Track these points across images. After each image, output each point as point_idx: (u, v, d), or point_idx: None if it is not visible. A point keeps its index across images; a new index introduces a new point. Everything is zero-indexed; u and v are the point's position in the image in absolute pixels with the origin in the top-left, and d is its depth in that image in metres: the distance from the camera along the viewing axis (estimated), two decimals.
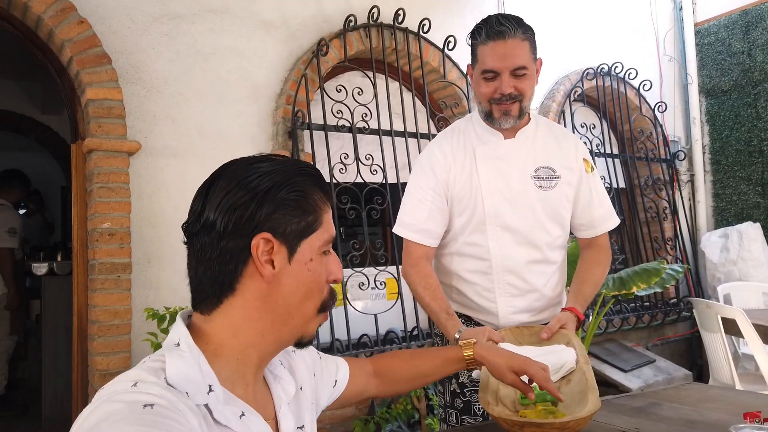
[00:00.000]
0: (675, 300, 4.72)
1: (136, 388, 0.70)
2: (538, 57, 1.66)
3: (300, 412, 0.94)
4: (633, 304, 4.41)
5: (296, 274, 0.83)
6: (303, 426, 0.94)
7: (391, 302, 3.37)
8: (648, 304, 4.52)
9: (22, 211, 8.26)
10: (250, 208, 0.80)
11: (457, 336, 1.56)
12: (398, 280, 3.37)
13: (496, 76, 1.60)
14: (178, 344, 0.79)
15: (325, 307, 0.88)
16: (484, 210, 1.67)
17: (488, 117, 1.67)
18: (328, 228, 0.87)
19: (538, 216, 1.69)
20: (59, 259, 4.56)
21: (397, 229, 1.76)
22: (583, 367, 1.42)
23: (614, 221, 1.82)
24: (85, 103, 2.69)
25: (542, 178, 1.69)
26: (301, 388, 0.97)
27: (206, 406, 0.75)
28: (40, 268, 4.36)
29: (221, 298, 0.82)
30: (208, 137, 3.01)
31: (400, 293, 3.36)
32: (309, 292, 0.84)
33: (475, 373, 1.61)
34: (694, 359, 4.87)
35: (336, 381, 1.14)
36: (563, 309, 1.69)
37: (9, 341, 4.36)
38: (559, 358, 1.44)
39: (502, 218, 1.68)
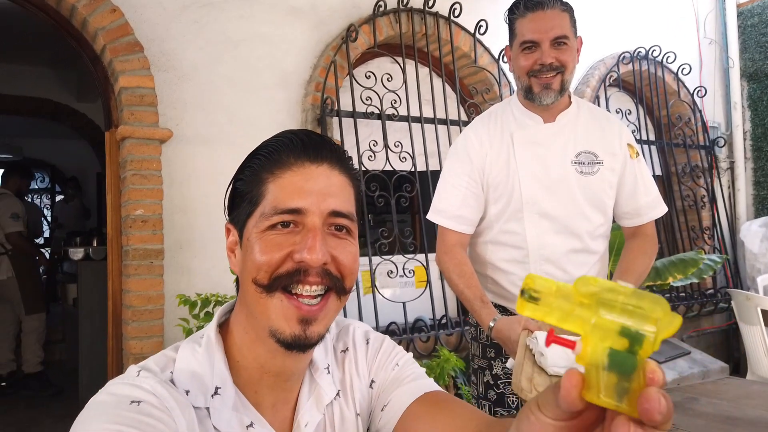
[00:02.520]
0: (712, 291, 4.59)
1: (136, 379, 0.68)
2: (578, 35, 1.61)
3: (335, 423, 0.82)
4: (668, 295, 4.30)
5: (243, 258, 0.74)
6: None
7: (420, 290, 3.36)
8: (684, 294, 4.41)
9: (59, 197, 8.52)
10: (226, 195, 0.79)
11: (491, 324, 1.53)
12: (427, 269, 3.35)
13: (536, 47, 1.55)
14: (203, 336, 0.76)
15: (266, 286, 0.70)
16: (522, 197, 1.62)
17: (528, 93, 1.61)
18: (275, 197, 0.72)
19: (578, 203, 1.63)
20: (95, 244, 4.66)
21: (431, 216, 1.73)
22: None
23: (662, 209, 1.75)
24: (118, 91, 2.72)
25: (584, 163, 1.63)
26: (338, 395, 0.84)
27: (207, 409, 0.71)
28: (77, 253, 4.47)
29: (237, 288, 0.79)
30: (238, 125, 3.02)
31: (428, 281, 3.34)
32: (248, 275, 0.72)
33: (509, 362, 1.59)
34: (730, 352, 4.74)
35: (387, 403, 0.85)
36: None
37: (34, 321, 4.48)
38: None
39: (540, 205, 1.62)
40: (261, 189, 0.73)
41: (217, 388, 0.73)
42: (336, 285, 0.73)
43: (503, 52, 1.74)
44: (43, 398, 4.35)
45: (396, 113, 3.38)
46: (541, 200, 1.62)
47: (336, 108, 3.22)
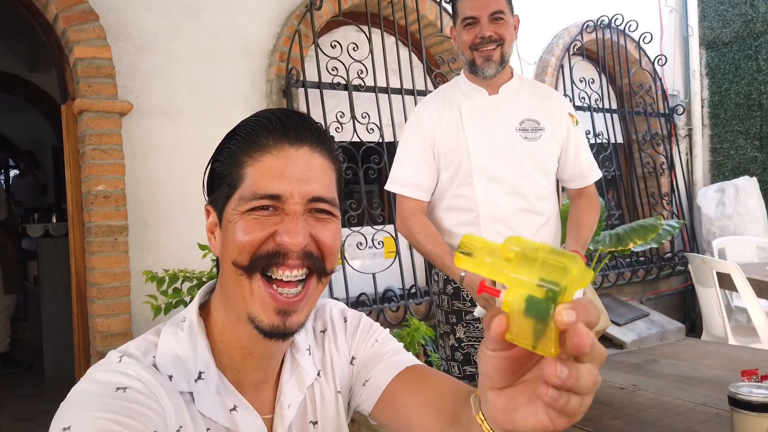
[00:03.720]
0: (670, 255, 4.76)
1: (119, 365, 0.67)
2: (515, 14, 1.76)
3: (316, 403, 0.83)
4: (628, 259, 4.44)
5: (223, 239, 0.73)
6: (316, 422, 0.82)
7: (389, 261, 3.38)
8: (643, 259, 4.56)
9: (13, 173, 8.21)
10: (204, 175, 0.78)
11: (462, 275, 1.66)
12: (396, 239, 3.37)
13: (476, 23, 1.70)
14: (184, 319, 0.75)
15: (246, 267, 0.69)
16: (471, 163, 1.74)
17: (472, 66, 1.75)
18: (254, 181, 0.70)
19: (523, 167, 1.76)
20: (54, 220, 4.53)
21: (389, 186, 1.85)
22: (591, 297, 1.54)
23: (599, 172, 1.94)
24: (74, 62, 2.61)
25: (527, 130, 1.76)
26: (319, 374, 0.84)
27: (190, 394, 0.70)
28: (36, 230, 4.34)
29: (218, 269, 0.78)
30: (201, 96, 2.94)
31: (397, 252, 3.36)
32: (228, 256, 0.71)
33: (477, 311, 1.73)
34: (687, 312, 4.95)
35: (369, 378, 0.86)
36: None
37: (7, 300, 4.38)
38: None
39: (489, 170, 1.74)
40: (240, 172, 0.71)
41: (200, 373, 0.72)
42: (317, 266, 0.72)
43: (451, 32, 1.83)
44: (7, 378, 4.27)
45: (363, 84, 3.34)
46: (490, 165, 1.74)
47: (301, 78, 3.17)
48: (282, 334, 0.70)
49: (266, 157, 0.71)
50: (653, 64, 4.83)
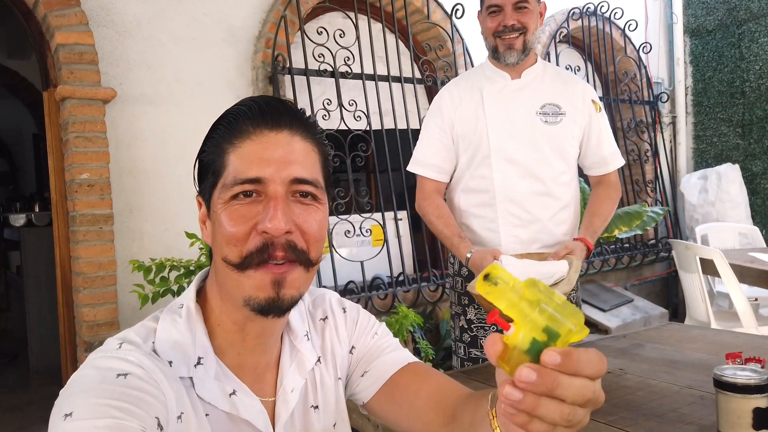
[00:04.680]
0: (654, 241, 4.82)
1: (119, 351, 0.68)
2: (542, 1, 1.77)
3: (316, 390, 0.84)
4: (613, 246, 4.49)
5: (212, 230, 0.74)
6: (317, 406, 0.83)
7: (377, 249, 3.39)
8: (627, 245, 4.61)
9: None
10: (194, 167, 0.78)
11: (468, 255, 1.71)
12: (384, 227, 3.38)
13: (500, 11, 1.72)
14: (181, 306, 0.75)
15: (238, 264, 0.69)
16: (489, 144, 1.77)
17: (494, 53, 1.78)
18: (235, 167, 0.70)
19: (542, 150, 1.77)
20: (37, 209, 4.47)
21: (410, 167, 1.90)
22: (570, 272, 1.60)
23: (621, 160, 1.94)
24: (55, 48, 2.56)
25: (548, 114, 1.78)
26: (318, 360, 0.85)
27: (190, 379, 0.71)
28: (18, 219, 4.27)
29: (211, 257, 0.78)
30: (186, 83, 2.91)
31: (385, 240, 3.37)
32: (218, 248, 0.72)
33: (469, 286, 1.76)
34: (669, 298, 5.02)
35: (368, 371, 0.89)
36: (574, 239, 1.78)
37: None
38: (552, 267, 1.60)
39: (506, 152, 1.76)
40: (223, 160, 0.72)
41: (199, 358, 0.72)
42: (299, 258, 0.71)
43: (477, 16, 1.85)
44: None
45: (350, 71, 3.32)
46: (508, 147, 1.76)
47: (288, 65, 3.14)
48: (278, 308, 0.70)
49: (246, 143, 0.71)
50: (638, 51, 4.86)
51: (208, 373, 0.72)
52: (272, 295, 0.70)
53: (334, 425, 0.86)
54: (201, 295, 0.78)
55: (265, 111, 0.72)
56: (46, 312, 3.96)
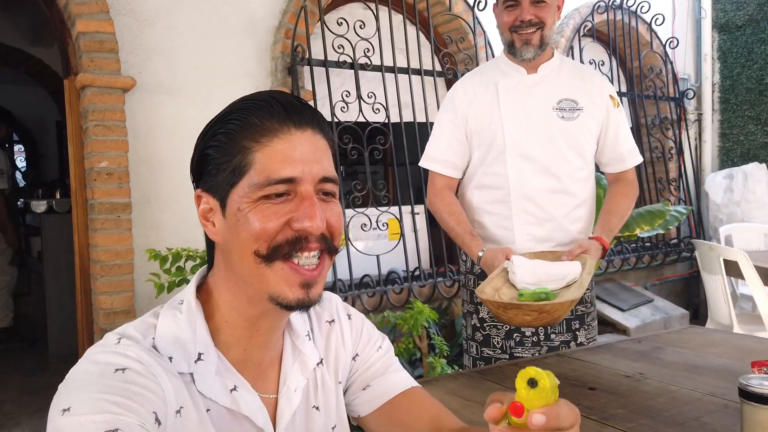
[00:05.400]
0: (676, 241, 4.73)
1: (118, 347, 0.68)
2: None
3: (317, 390, 0.84)
4: (634, 245, 4.41)
5: (231, 228, 0.72)
6: (318, 407, 0.84)
7: (393, 243, 3.36)
8: (649, 244, 4.53)
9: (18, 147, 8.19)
10: (193, 160, 0.77)
11: (480, 254, 1.67)
12: (400, 221, 3.35)
13: (517, 5, 1.67)
14: (182, 302, 0.75)
15: (266, 257, 0.70)
16: (504, 140, 1.73)
17: (510, 48, 1.73)
18: (265, 167, 0.70)
19: (558, 146, 1.73)
20: (58, 196, 4.52)
21: (422, 162, 1.87)
22: (582, 275, 1.53)
23: (639, 157, 1.87)
24: (76, 36, 2.57)
25: (565, 109, 1.73)
26: (320, 362, 0.86)
27: (191, 375, 0.71)
28: (39, 206, 4.32)
29: (212, 252, 0.79)
30: (204, 73, 2.90)
31: (402, 234, 3.34)
32: (243, 243, 0.71)
33: (478, 290, 1.73)
34: (690, 299, 4.93)
35: (369, 386, 0.90)
36: (589, 238, 1.73)
37: (7, 275, 4.39)
38: (564, 268, 1.54)
39: (521, 147, 1.72)
40: (247, 158, 0.71)
41: (200, 354, 0.72)
42: (329, 246, 0.74)
43: (493, 9, 1.81)
44: (12, 353, 4.30)
45: (369, 62, 3.29)
46: (523, 143, 1.72)
47: (307, 56, 3.12)
48: (306, 306, 0.73)
49: (274, 141, 0.71)
50: (664, 46, 4.75)
51: (208, 368, 0.72)
52: (302, 297, 0.72)
53: (333, 427, 0.86)
54: (202, 292, 0.78)
55: (288, 109, 0.73)
56: (65, 298, 4.01)
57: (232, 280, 0.74)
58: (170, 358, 0.70)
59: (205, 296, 0.77)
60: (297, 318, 0.85)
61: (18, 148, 8.59)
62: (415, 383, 0.92)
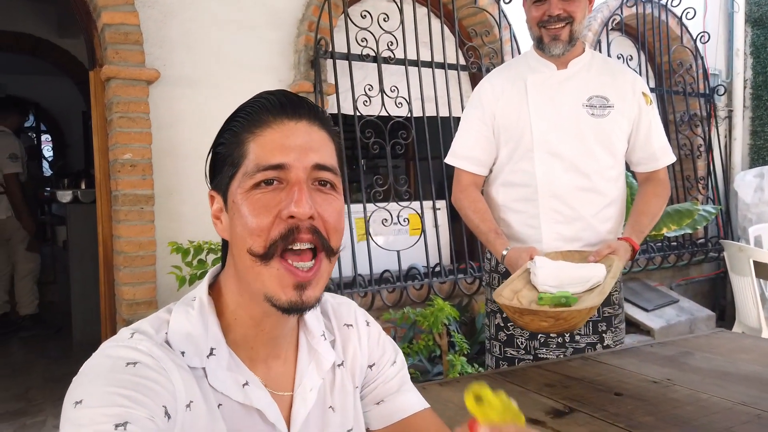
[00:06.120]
0: (703, 240, 4.62)
1: (130, 341, 0.69)
2: None
3: (334, 391, 0.85)
4: (659, 244, 4.32)
5: (230, 223, 0.74)
6: (333, 408, 0.84)
7: (414, 238, 3.34)
8: (675, 244, 4.43)
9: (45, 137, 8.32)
10: (207, 161, 0.79)
11: (504, 253, 1.64)
12: (422, 217, 3.32)
13: (546, 0, 1.62)
14: (194, 299, 0.76)
15: (262, 255, 0.70)
16: (532, 137, 1.69)
17: (539, 43, 1.69)
18: (256, 155, 0.71)
19: (587, 143, 1.68)
20: (83, 186, 4.58)
21: (448, 159, 1.85)
22: (606, 280, 1.48)
23: (672, 156, 1.82)
24: (102, 28, 2.58)
25: (595, 106, 1.69)
26: (341, 364, 0.86)
27: (203, 369, 0.72)
28: (65, 196, 4.39)
29: (225, 250, 0.80)
30: (227, 66, 2.90)
31: (423, 230, 3.31)
32: (240, 240, 0.71)
33: (495, 294, 1.71)
34: (717, 300, 4.82)
35: (384, 401, 0.92)
36: (618, 239, 1.69)
37: (31, 263, 4.45)
38: (588, 271, 1.50)
39: (550, 145, 1.68)
40: (242, 149, 0.73)
41: (212, 350, 0.73)
42: (323, 244, 0.73)
43: (522, 2, 1.76)
44: (37, 340, 4.38)
45: (392, 56, 3.26)
46: (552, 140, 1.68)
47: (330, 49, 3.10)
48: (299, 308, 0.72)
49: (267, 131, 0.73)
50: (695, 41, 4.63)
51: (220, 363, 0.73)
52: (294, 299, 0.71)
53: (349, 430, 0.85)
54: (214, 289, 0.79)
55: (284, 102, 0.74)
56: (89, 287, 4.06)
57: (237, 278, 0.75)
58: (182, 353, 0.71)
59: (217, 294, 0.78)
60: (312, 318, 0.85)
61: (45, 138, 8.75)
62: (426, 405, 0.93)
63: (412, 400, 0.92)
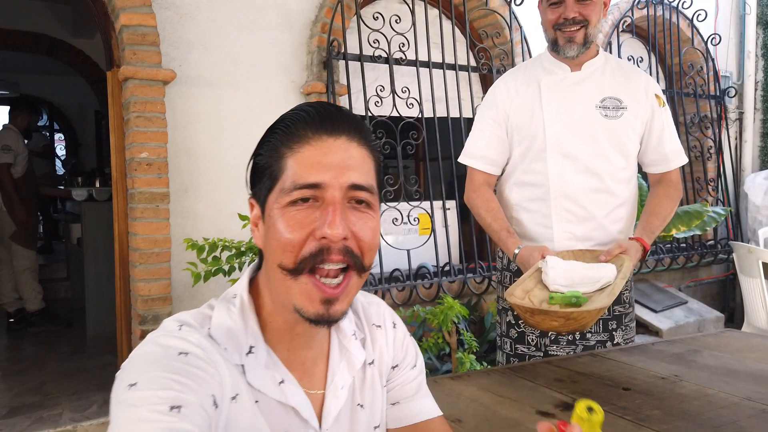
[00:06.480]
0: (712, 242, 4.62)
1: (179, 333, 0.71)
2: None
3: (363, 389, 0.86)
4: (668, 245, 4.33)
5: (266, 235, 0.75)
6: (362, 405, 0.86)
7: (424, 238, 3.37)
8: (684, 245, 4.44)
9: (58, 136, 8.40)
10: (248, 169, 0.79)
11: (516, 252, 1.67)
12: (432, 216, 3.36)
13: (561, 2, 1.65)
14: (235, 296, 0.78)
15: (292, 269, 0.71)
16: (545, 138, 1.71)
17: (554, 45, 1.71)
18: (294, 172, 0.71)
19: (600, 145, 1.70)
20: (97, 184, 4.65)
21: (461, 158, 1.87)
22: (616, 280, 1.49)
23: (684, 158, 1.83)
24: (119, 29, 2.64)
25: (608, 108, 1.71)
26: (372, 363, 0.88)
27: (242, 366, 0.73)
28: (81, 194, 4.45)
29: (261, 258, 0.81)
30: (242, 67, 2.94)
31: (433, 229, 3.35)
32: (272, 253, 0.73)
33: (506, 294, 1.73)
34: (726, 302, 4.82)
35: (399, 403, 0.94)
36: (630, 239, 1.71)
37: (26, 260, 4.45)
38: (598, 271, 1.52)
39: (563, 146, 1.71)
40: (280, 164, 0.73)
41: (251, 347, 0.75)
42: (355, 263, 0.73)
43: (538, 5, 1.79)
44: (49, 335, 4.44)
45: (404, 57, 3.29)
46: (565, 141, 1.71)
47: (343, 51, 3.14)
48: (327, 321, 0.73)
49: (305, 147, 0.72)
50: (706, 43, 4.63)
51: (258, 361, 0.74)
52: (322, 312, 0.72)
53: (376, 427, 0.87)
54: (252, 288, 0.80)
55: (323, 117, 0.73)
56: (103, 283, 4.13)
57: (269, 285, 0.76)
58: (225, 349, 0.73)
59: (255, 293, 0.79)
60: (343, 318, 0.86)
61: (58, 137, 8.85)
62: (440, 412, 0.94)
63: (426, 406, 0.93)
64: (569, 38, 1.66)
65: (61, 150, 9.00)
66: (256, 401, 0.73)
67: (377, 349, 0.89)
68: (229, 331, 0.74)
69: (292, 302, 0.72)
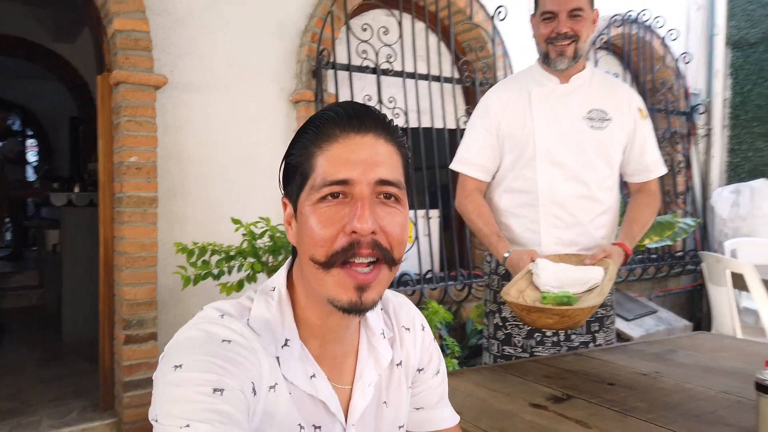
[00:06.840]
0: (681, 253, 4.79)
1: (222, 321, 0.73)
2: (595, 8, 1.78)
3: (390, 388, 0.89)
4: (640, 256, 4.48)
5: (299, 232, 0.78)
6: (387, 403, 0.88)
7: (407, 246, 3.43)
8: (654, 256, 4.59)
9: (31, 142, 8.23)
10: (280, 169, 0.82)
11: (506, 255, 1.75)
12: (415, 225, 3.42)
13: (554, 18, 1.73)
14: (273, 289, 0.80)
15: (324, 263, 0.73)
16: (535, 146, 1.79)
17: (545, 58, 1.80)
18: (323, 170, 0.74)
19: (587, 154, 1.79)
20: (77, 190, 4.60)
21: (453, 165, 1.94)
22: (603, 282, 1.59)
23: (664, 168, 1.93)
24: (112, 34, 2.65)
25: (594, 119, 1.80)
26: (399, 364, 0.90)
27: (277, 358, 0.75)
28: (60, 199, 4.41)
29: (294, 254, 0.84)
30: (232, 73, 2.98)
31: (416, 238, 3.41)
32: (305, 249, 0.75)
33: (503, 292, 1.78)
34: (693, 311, 4.99)
35: (423, 408, 0.98)
36: (612, 244, 1.79)
37: None
38: (586, 273, 1.61)
39: (552, 155, 1.79)
40: (311, 163, 0.76)
41: (287, 340, 0.77)
42: (385, 256, 0.75)
43: (530, 20, 1.88)
44: (26, 342, 4.36)
45: (391, 68, 3.37)
46: (554, 150, 1.79)
47: (332, 60, 3.20)
48: (359, 309, 0.75)
49: (334, 145, 0.75)
50: (677, 61, 4.83)
51: (293, 354, 0.77)
52: (354, 300, 0.74)
53: (400, 427, 0.90)
54: (288, 281, 0.83)
55: (351, 115, 0.76)
56: (81, 289, 4.08)
57: (304, 279, 0.79)
58: (263, 340, 0.76)
59: (290, 287, 0.82)
60: (373, 316, 0.88)
61: (30, 142, 8.69)
62: (457, 420, 1.00)
63: (446, 415, 0.98)
64: (560, 52, 1.75)
65: (32, 156, 8.84)
66: (290, 393, 0.76)
67: (404, 351, 0.91)
68: (267, 323, 0.77)
69: (325, 294, 0.75)
